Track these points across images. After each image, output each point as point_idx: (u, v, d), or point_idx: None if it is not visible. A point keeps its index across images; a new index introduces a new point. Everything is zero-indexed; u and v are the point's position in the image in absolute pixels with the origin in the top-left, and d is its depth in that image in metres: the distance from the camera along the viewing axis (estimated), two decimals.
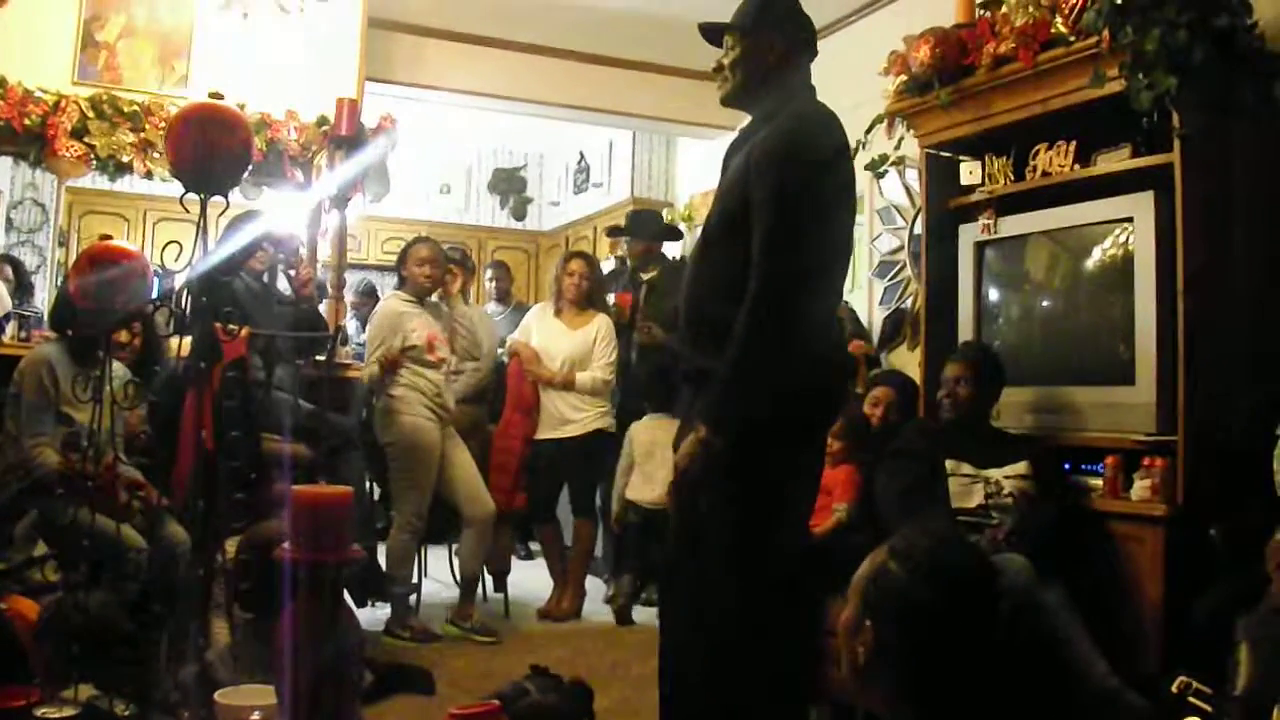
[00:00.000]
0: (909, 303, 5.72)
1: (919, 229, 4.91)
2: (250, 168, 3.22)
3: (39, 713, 2.52)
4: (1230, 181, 3.68)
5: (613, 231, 6.78)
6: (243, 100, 4.90)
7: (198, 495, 2.72)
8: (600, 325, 5.45)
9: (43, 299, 6.83)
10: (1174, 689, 3.00)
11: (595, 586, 5.78)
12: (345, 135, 5.45)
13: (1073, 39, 3.75)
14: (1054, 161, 4.06)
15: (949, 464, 3.82)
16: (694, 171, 8.49)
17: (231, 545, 3.05)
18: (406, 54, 6.71)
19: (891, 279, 5.94)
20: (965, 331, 4.37)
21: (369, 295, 8.03)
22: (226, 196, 2.55)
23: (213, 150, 2.46)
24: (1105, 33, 3.56)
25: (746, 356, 2.58)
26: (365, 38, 5.97)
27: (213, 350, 2.66)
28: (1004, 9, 4.10)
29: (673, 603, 2.97)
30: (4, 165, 7.06)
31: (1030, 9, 3.92)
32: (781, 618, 2.68)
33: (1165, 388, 3.59)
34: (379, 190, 5.91)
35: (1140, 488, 3.58)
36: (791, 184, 2.63)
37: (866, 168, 4.58)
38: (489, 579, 5.60)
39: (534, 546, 6.62)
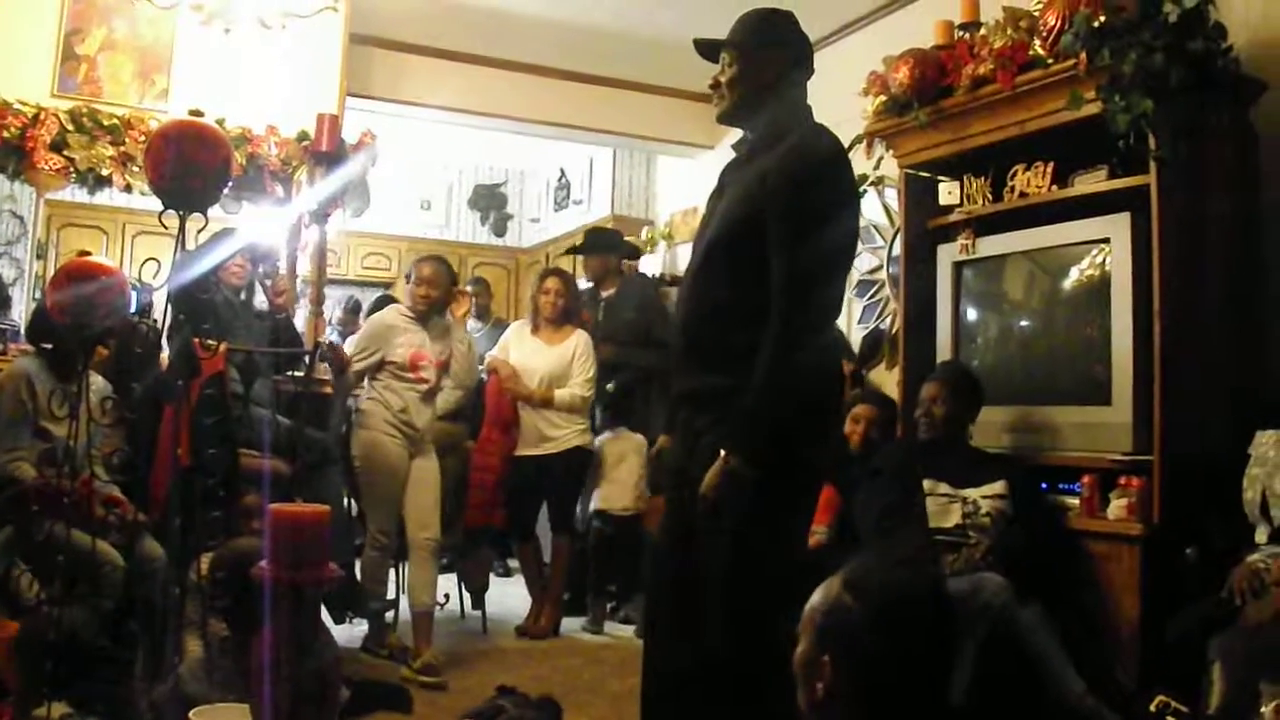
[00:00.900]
0: (888, 322, 5.74)
1: (898, 248, 4.93)
2: (230, 183, 3.21)
3: None
4: (1206, 203, 3.71)
5: (570, 250, 6.79)
6: (223, 115, 4.90)
7: (174, 512, 2.71)
8: (578, 342, 5.45)
9: (20, 312, 6.78)
10: (1152, 708, 3.03)
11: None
12: (326, 151, 5.44)
13: (1051, 61, 3.78)
14: (1032, 182, 4.09)
15: (927, 483, 3.83)
16: (674, 189, 8.50)
17: (206, 561, 3.04)
18: (388, 70, 6.71)
19: (870, 298, 5.96)
20: (944, 351, 4.39)
21: (354, 313, 8.01)
22: (205, 213, 2.55)
23: (192, 167, 2.45)
24: (1083, 55, 3.59)
25: (775, 387, 2.57)
26: (347, 53, 5.97)
27: (191, 366, 2.66)
28: (983, 31, 4.14)
29: (666, 625, 2.93)
30: None
31: (1009, 31, 3.95)
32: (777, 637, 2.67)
33: (1141, 408, 3.62)
34: (359, 206, 5.90)
35: (1116, 507, 3.60)
36: (815, 209, 2.62)
37: None
38: (467, 596, 5.59)
39: (512, 564, 6.61)
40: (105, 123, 5.22)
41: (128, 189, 5.33)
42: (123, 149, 5.22)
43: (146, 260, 2.56)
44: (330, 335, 6.49)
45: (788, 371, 2.57)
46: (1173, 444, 3.51)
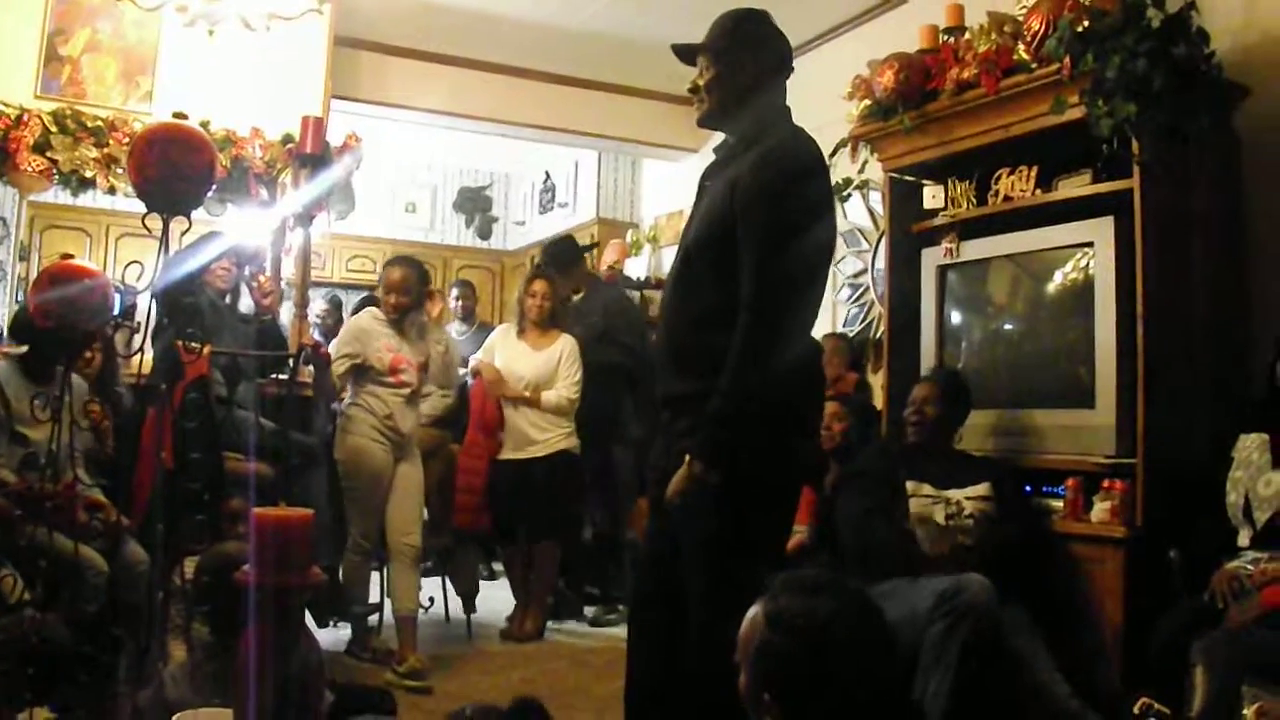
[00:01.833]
0: (872, 325, 5.75)
1: (883, 252, 4.94)
2: (214, 186, 3.19)
3: None
4: (1189, 207, 3.73)
5: (535, 271, 6.56)
6: (207, 117, 4.89)
7: (158, 516, 2.69)
8: (564, 346, 5.43)
9: (2, 314, 6.76)
10: (1135, 710, 3.03)
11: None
12: (310, 153, 5.42)
13: (1035, 66, 3.79)
14: (1016, 186, 4.10)
15: (910, 485, 3.82)
16: (659, 192, 8.52)
17: (190, 565, 3.03)
18: (372, 72, 6.71)
19: (855, 301, 5.97)
20: (928, 354, 4.40)
21: (335, 308, 7.98)
22: (189, 217, 2.53)
23: (176, 171, 2.43)
24: (1067, 60, 3.61)
25: (738, 394, 2.57)
26: (331, 56, 5.96)
27: (175, 369, 2.64)
28: (967, 36, 4.15)
29: (650, 630, 2.92)
30: None
31: (993, 36, 3.97)
32: None
33: (1125, 410, 3.63)
34: (344, 208, 5.89)
35: (1100, 510, 3.61)
36: (784, 219, 2.61)
37: None
38: (457, 601, 5.57)
39: (497, 567, 6.59)
40: (89, 124, 5.20)
41: (111, 191, 5.32)
42: (106, 151, 5.20)
43: (130, 263, 2.54)
44: (313, 333, 6.46)
45: (752, 378, 2.56)
46: (1156, 447, 3.53)
